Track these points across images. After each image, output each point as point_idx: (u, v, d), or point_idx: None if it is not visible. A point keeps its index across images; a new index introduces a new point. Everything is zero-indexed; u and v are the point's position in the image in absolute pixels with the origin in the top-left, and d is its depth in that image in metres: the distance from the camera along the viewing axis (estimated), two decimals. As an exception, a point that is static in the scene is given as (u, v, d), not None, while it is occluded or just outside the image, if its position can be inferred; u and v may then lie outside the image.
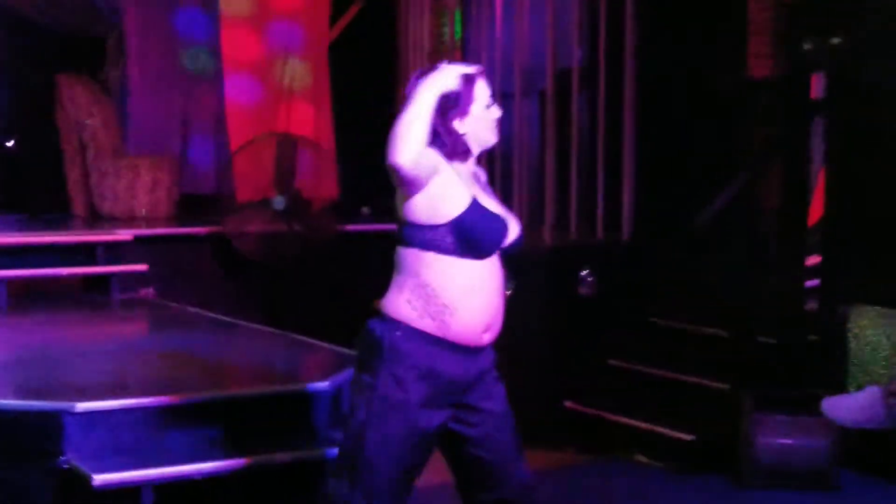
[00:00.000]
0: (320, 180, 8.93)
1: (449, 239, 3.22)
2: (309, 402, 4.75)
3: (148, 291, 7.61)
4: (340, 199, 9.15)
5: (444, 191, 3.20)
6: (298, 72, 9.83)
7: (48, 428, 4.28)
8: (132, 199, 8.93)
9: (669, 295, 6.59)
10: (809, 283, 5.86)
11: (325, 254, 8.14)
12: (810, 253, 5.86)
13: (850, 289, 5.75)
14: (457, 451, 3.42)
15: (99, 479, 4.06)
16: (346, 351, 5.32)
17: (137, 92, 9.49)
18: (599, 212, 6.82)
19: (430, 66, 3.41)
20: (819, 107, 6.10)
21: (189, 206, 9.06)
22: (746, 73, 6.70)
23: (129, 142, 9.31)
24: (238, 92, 9.65)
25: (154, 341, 6.64)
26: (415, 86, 3.21)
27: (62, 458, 4.25)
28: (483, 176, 3.52)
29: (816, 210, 5.89)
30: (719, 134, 6.55)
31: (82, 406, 4.33)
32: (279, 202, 8.21)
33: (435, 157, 3.19)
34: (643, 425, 5.95)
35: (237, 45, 9.72)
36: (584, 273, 6.48)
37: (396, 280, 3.31)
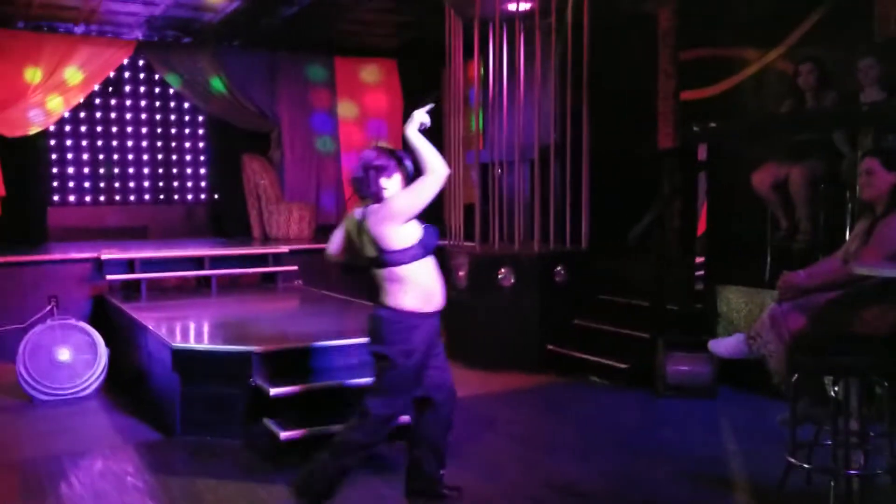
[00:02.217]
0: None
1: (418, 251, 3.25)
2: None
3: (298, 282, 7.74)
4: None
5: (409, 225, 3.25)
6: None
7: (243, 361, 4.39)
8: (288, 228, 9.10)
9: (612, 281, 6.51)
10: (698, 273, 5.80)
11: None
12: (698, 254, 5.80)
13: (721, 275, 5.69)
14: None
15: (273, 391, 4.19)
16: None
17: (289, 164, 9.65)
18: (567, 231, 6.82)
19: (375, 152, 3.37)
20: (703, 166, 6.05)
21: (322, 232, 9.16)
22: (658, 145, 6.72)
23: (285, 193, 9.46)
24: (349, 163, 9.83)
25: (303, 311, 6.69)
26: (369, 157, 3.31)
27: (251, 379, 4.37)
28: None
29: (702, 228, 5.81)
30: (642, 182, 6.45)
31: (262, 349, 4.45)
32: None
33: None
34: (596, 359, 5.90)
35: (348, 134, 9.90)
36: (558, 269, 6.54)
37: (394, 286, 3.24)
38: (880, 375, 3.18)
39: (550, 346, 6.31)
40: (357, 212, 3.42)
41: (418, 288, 3.26)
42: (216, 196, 10.39)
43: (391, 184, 3.33)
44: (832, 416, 3.26)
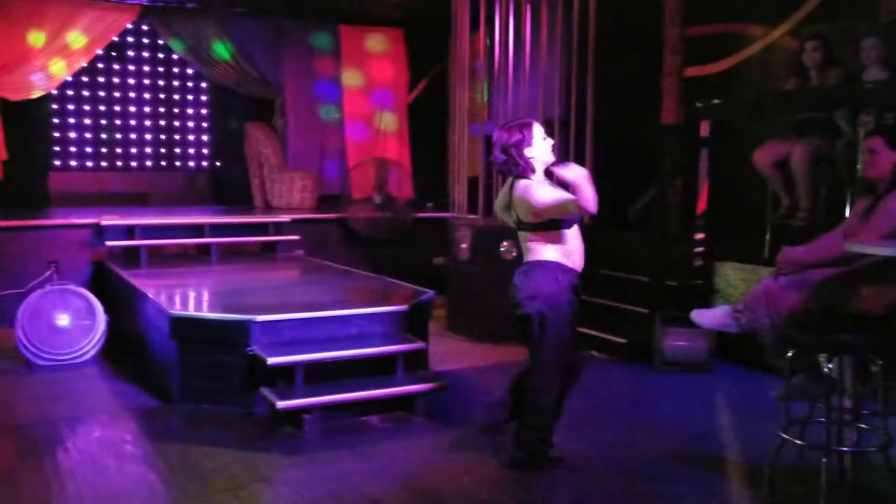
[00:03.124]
0: (402, 186, 9.03)
1: (562, 221, 3.47)
2: (394, 317, 4.78)
3: (300, 252, 7.72)
4: (414, 197, 9.25)
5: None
6: (389, 120, 9.94)
7: (241, 330, 4.39)
8: (290, 196, 9.07)
9: (613, 256, 6.44)
10: (697, 249, 5.80)
11: (405, 230, 8.24)
12: (698, 230, 5.80)
13: (720, 252, 5.70)
14: None
15: (271, 360, 4.19)
16: (416, 287, 5.43)
17: (293, 132, 9.58)
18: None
19: (514, 122, 3.60)
20: (705, 142, 6.03)
21: (324, 202, 9.15)
22: (661, 121, 6.68)
23: (288, 162, 9.42)
24: (353, 132, 9.78)
25: (304, 281, 6.68)
26: (501, 138, 3.51)
27: (249, 347, 4.37)
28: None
29: (702, 205, 5.80)
30: (645, 158, 6.40)
31: (261, 318, 4.44)
32: (378, 199, 8.32)
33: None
34: (596, 333, 5.90)
35: (353, 103, 9.83)
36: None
37: (546, 246, 3.50)
38: (874, 354, 3.19)
39: (550, 320, 6.30)
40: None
41: (563, 247, 3.54)
42: (218, 164, 10.36)
43: (535, 150, 3.53)
44: (826, 393, 3.27)
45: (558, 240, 3.52)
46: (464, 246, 6.72)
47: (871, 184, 3.65)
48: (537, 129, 3.54)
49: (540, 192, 3.47)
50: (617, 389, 5.06)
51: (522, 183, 3.53)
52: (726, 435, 4.19)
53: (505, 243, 6.37)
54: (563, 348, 3.55)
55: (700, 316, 3.82)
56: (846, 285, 3.50)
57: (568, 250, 3.55)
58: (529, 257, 3.60)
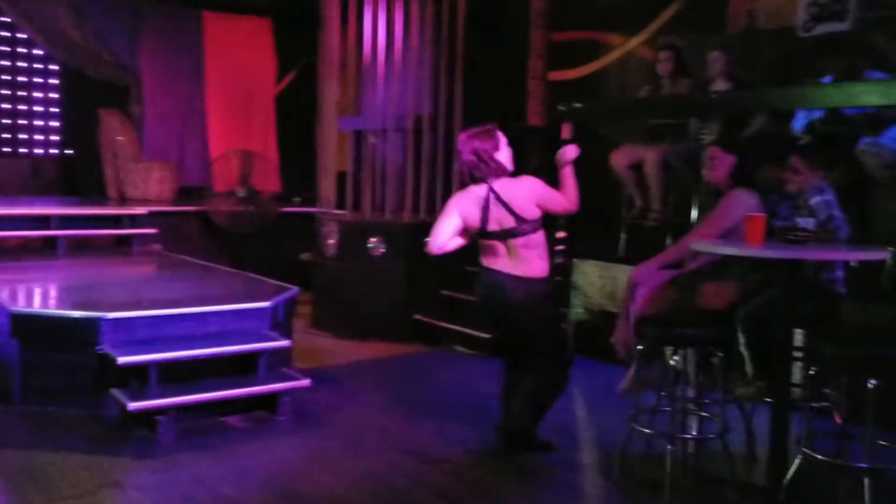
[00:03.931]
0: (267, 179, 8.84)
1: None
2: (256, 314, 4.66)
3: (156, 246, 7.40)
4: (280, 191, 9.07)
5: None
6: (255, 112, 9.69)
7: (90, 328, 4.18)
8: (147, 188, 8.65)
9: (479, 253, 6.60)
10: (559, 247, 5.98)
11: (269, 225, 8.07)
12: (558, 229, 5.96)
13: (579, 250, 5.87)
14: None
15: (122, 359, 3.99)
16: (281, 284, 5.31)
17: (150, 121, 9.16)
18: (438, 202, 6.86)
19: (482, 128, 3.63)
20: (566, 143, 6.22)
21: (184, 194, 8.81)
22: (527, 123, 6.84)
23: (145, 151, 8.99)
24: (216, 123, 9.45)
25: (160, 276, 6.42)
26: (465, 143, 3.57)
27: (99, 346, 4.16)
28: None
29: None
30: (511, 158, 6.53)
31: (112, 314, 4.24)
32: (241, 192, 8.10)
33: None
34: (461, 328, 6.00)
35: (216, 93, 9.49)
36: (427, 239, 6.57)
37: (537, 250, 3.62)
38: (714, 346, 3.42)
39: (418, 316, 6.36)
40: (478, 190, 3.58)
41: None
42: (68, 151, 9.74)
43: (503, 155, 3.58)
44: (671, 384, 3.48)
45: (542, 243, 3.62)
46: (331, 241, 6.65)
47: (716, 188, 3.97)
48: (502, 136, 3.61)
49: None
50: (478, 384, 5.12)
51: (515, 180, 3.57)
52: (581, 426, 4.36)
53: (373, 239, 6.35)
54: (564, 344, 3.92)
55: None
56: (689, 285, 3.76)
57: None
58: (525, 267, 3.60)
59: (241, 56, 9.65)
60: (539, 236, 3.58)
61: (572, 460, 3.80)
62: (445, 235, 3.62)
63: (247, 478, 3.47)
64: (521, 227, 3.52)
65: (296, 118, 9.45)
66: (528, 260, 3.54)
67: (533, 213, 3.52)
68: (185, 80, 9.39)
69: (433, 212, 6.88)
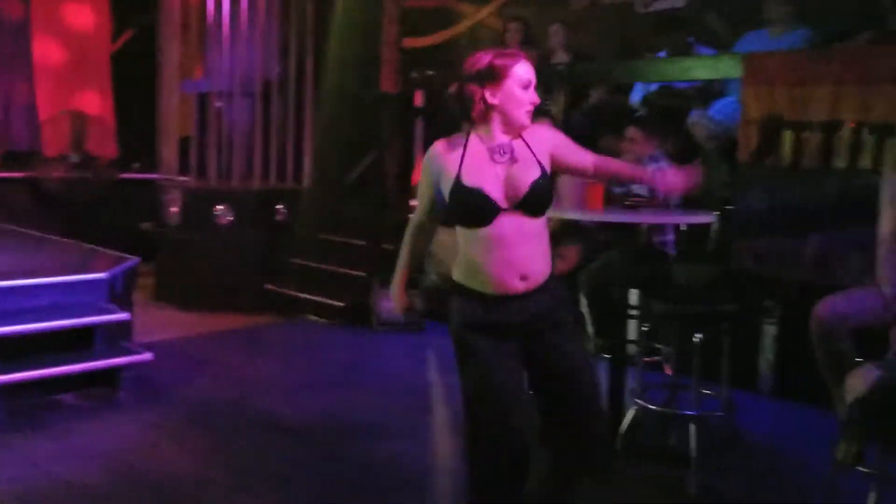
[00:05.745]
0: (104, 143, 8.26)
1: (450, 215, 2.30)
2: (91, 286, 4.37)
3: (-21, 216, 6.77)
4: (118, 156, 8.53)
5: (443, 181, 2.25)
6: (89, 71, 9.00)
7: None
8: (-34, 153, 7.87)
9: (332, 221, 6.48)
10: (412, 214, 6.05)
11: (106, 193, 7.60)
12: (412, 198, 6.06)
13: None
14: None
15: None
16: (118, 254, 5.00)
17: (-32, 79, 8.32)
18: (289, 169, 6.73)
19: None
20: (419, 111, 6.28)
21: (10, 159, 8.06)
22: (380, 89, 6.83)
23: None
24: (45, 83, 8.69)
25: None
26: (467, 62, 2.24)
27: None
28: (518, 147, 2.20)
29: (417, 174, 6.07)
30: (364, 125, 6.43)
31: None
32: (74, 157, 7.57)
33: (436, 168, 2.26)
34: (315, 297, 5.94)
35: (44, 50, 8.71)
36: (278, 206, 6.41)
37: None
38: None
39: (269, 286, 6.23)
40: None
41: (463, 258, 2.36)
42: None
43: (503, 98, 2.20)
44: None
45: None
46: (174, 210, 6.35)
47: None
48: (523, 69, 2.21)
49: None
50: (334, 353, 5.12)
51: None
52: (435, 388, 4.43)
53: (219, 207, 6.12)
54: None
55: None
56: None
57: None
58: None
59: (70, 11, 8.90)
60: None
61: (431, 426, 3.84)
62: None
63: (83, 457, 3.27)
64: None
65: (135, 80, 8.86)
66: None
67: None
68: (7, 35, 8.55)
69: (284, 179, 6.73)
